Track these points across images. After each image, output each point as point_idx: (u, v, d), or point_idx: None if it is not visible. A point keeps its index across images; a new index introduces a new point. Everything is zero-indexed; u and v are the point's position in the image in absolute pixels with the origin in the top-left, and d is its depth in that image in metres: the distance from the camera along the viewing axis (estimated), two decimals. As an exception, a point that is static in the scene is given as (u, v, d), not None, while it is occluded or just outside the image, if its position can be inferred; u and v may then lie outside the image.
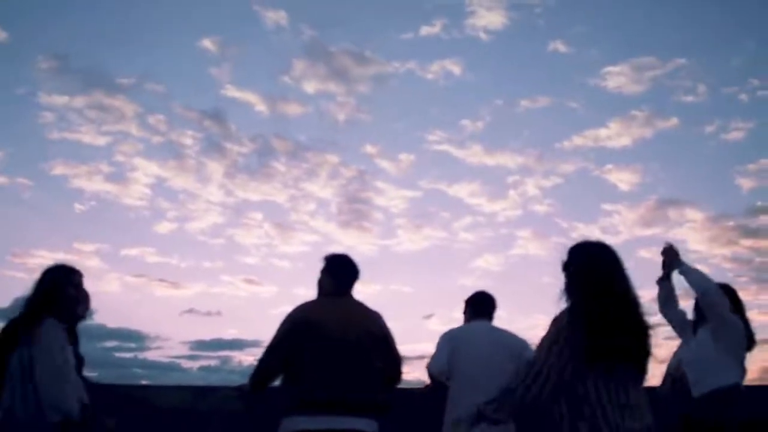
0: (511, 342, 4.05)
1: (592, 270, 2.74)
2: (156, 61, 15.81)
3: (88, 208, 14.40)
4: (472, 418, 2.61)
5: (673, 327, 3.78)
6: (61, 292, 3.08)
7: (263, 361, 3.11)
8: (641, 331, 2.62)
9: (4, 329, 3.05)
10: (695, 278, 3.46)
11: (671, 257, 3.62)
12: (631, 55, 14.48)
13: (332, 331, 3.03)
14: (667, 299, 3.80)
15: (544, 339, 2.63)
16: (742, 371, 3.41)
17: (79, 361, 3.21)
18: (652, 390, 3.53)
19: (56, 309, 3.04)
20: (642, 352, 2.62)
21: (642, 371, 2.62)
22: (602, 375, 2.51)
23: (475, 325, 4.21)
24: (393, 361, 3.26)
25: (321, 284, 3.38)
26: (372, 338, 3.15)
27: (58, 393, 2.84)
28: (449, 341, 4.07)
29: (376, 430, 3.02)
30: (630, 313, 2.64)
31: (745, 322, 3.50)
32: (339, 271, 3.37)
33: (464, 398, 3.54)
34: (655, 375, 3.54)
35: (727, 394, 3.30)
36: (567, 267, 2.84)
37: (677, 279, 3.71)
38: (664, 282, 3.81)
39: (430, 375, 4.09)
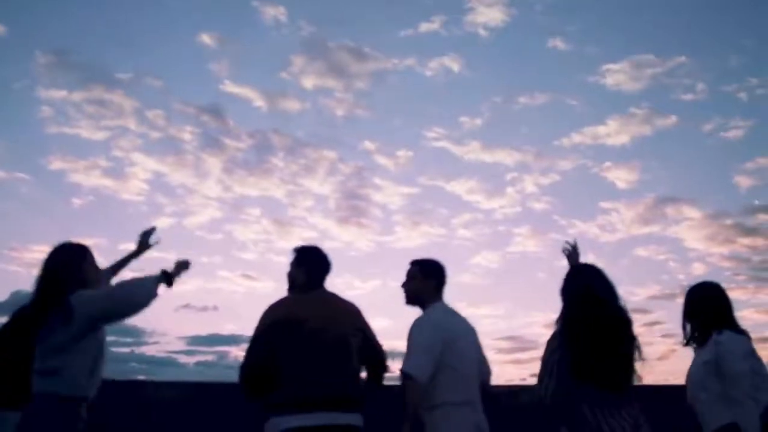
0: (473, 328, 3.47)
1: (581, 294, 2.89)
2: (155, 57, 15.85)
3: (86, 203, 14.47)
4: None
5: None
6: (78, 269, 3.02)
7: (248, 365, 2.99)
8: (625, 356, 2.73)
9: (19, 317, 2.95)
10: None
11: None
12: (631, 53, 14.53)
13: (315, 327, 3.00)
14: None
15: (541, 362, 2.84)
16: (745, 405, 3.08)
17: None
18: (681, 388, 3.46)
19: (73, 288, 2.95)
20: (624, 377, 2.73)
21: (625, 390, 2.72)
22: (592, 395, 2.66)
23: (447, 309, 3.39)
24: (376, 352, 3.27)
25: (292, 277, 3.31)
26: (353, 331, 3.14)
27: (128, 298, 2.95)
28: (441, 336, 3.14)
29: (361, 423, 3.02)
30: (617, 338, 2.75)
31: (734, 325, 3.28)
32: (312, 265, 3.31)
33: (463, 404, 3.15)
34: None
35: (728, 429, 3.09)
36: (561, 290, 2.94)
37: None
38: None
39: (408, 377, 3.04)
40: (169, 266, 3.24)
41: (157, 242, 3.81)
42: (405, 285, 3.47)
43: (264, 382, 2.94)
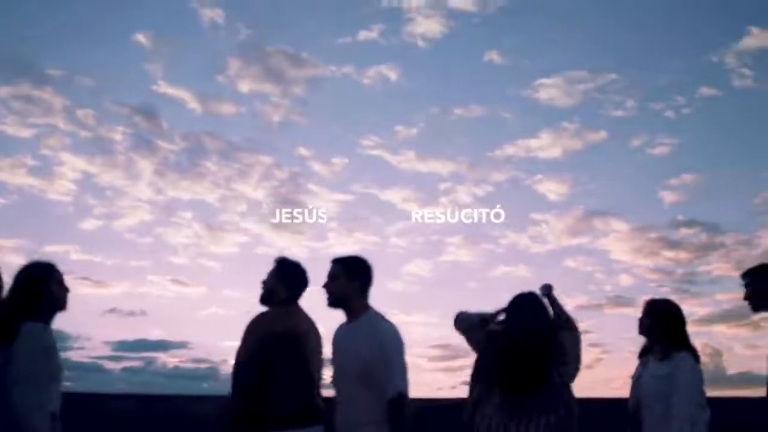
0: None
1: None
2: (86, 54, 15.32)
3: (11, 203, 13.90)
4: None
5: None
6: (44, 289, 2.97)
7: (246, 378, 2.96)
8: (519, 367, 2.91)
9: None
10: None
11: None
12: (564, 69, 14.98)
13: (307, 344, 3.08)
14: None
15: None
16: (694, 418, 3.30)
17: None
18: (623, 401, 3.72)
19: (38, 308, 2.94)
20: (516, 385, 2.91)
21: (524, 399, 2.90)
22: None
23: None
24: (321, 368, 3.34)
25: (274, 291, 3.25)
26: (320, 348, 3.25)
27: (24, 403, 2.74)
28: None
29: None
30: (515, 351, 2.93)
31: (690, 345, 3.51)
32: (295, 282, 3.30)
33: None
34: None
35: None
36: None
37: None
38: None
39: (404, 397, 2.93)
40: None
41: None
42: (327, 286, 3.13)
43: (255, 395, 2.94)
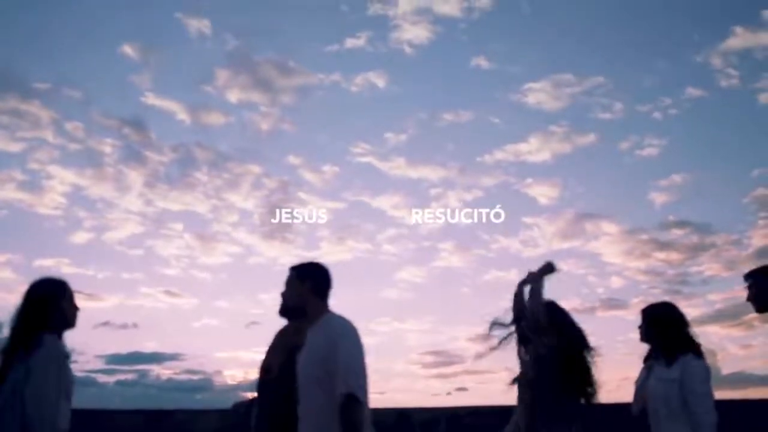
0: None
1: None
2: (74, 67, 15.51)
3: (0, 217, 13.90)
4: None
5: None
6: (56, 306, 3.01)
7: (273, 389, 3.11)
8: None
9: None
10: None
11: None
12: (551, 72, 15.23)
13: None
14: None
15: None
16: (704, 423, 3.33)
17: None
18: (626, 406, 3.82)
19: (50, 323, 2.97)
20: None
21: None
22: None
23: None
24: None
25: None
26: None
27: (39, 418, 2.76)
28: None
29: None
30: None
31: (696, 346, 3.55)
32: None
33: None
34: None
35: None
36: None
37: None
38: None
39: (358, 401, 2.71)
40: None
41: None
42: (282, 293, 3.11)
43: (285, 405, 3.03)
